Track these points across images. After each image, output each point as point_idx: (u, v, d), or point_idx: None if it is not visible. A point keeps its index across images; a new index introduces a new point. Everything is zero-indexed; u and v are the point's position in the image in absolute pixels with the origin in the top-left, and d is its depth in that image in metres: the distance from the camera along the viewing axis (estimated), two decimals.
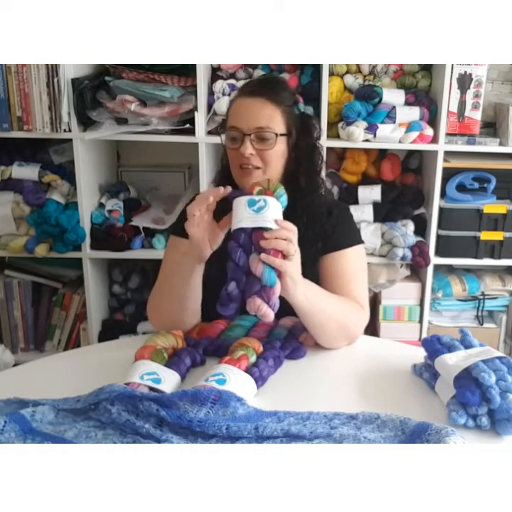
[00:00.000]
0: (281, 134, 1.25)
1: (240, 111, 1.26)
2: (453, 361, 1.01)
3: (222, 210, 1.13)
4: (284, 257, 1.04)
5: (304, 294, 1.11)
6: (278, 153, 1.25)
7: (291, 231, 1.06)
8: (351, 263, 1.28)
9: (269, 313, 1.01)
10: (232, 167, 1.29)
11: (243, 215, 1.05)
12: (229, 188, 1.11)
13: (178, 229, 1.31)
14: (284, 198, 1.10)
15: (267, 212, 1.04)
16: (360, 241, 1.34)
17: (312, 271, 1.28)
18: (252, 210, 1.04)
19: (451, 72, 2.03)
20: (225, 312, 1.05)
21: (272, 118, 1.24)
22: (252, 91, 1.27)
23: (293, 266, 1.06)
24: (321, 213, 1.30)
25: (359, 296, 1.26)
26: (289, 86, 1.35)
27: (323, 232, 1.29)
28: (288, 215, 1.29)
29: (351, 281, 1.26)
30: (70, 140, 2.04)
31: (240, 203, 1.06)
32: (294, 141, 1.27)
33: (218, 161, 1.46)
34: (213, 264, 1.28)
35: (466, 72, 2.07)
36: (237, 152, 1.25)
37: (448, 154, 2.12)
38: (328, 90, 2.06)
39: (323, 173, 1.39)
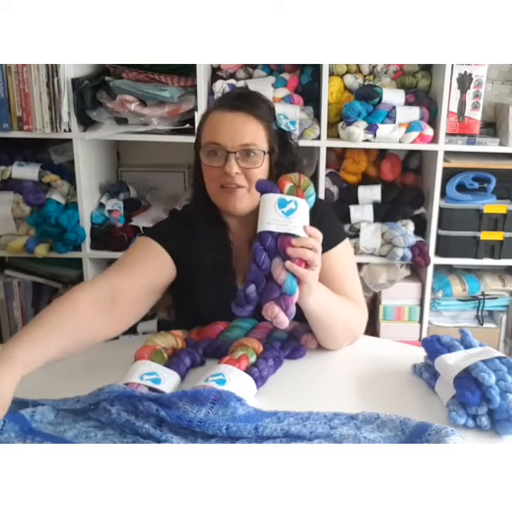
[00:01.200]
0: (267, 152, 1.20)
1: (221, 126, 1.18)
2: (453, 361, 1.01)
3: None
4: (307, 266, 1.02)
5: (316, 298, 1.09)
6: (263, 171, 1.20)
7: (318, 240, 1.03)
8: (340, 262, 1.26)
9: (285, 322, 1.00)
10: (211, 186, 1.22)
11: (272, 217, 1.01)
12: None
13: (156, 233, 1.29)
14: (313, 198, 1.06)
15: (296, 216, 1.01)
16: (344, 236, 1.31)
17: None
18: (282, 212, 1.01)
19: (451, 72, 2.03)
20: (240, 313, 1.04)
21: (257, 134, 1.18)
22: (233, 105, 1.19)
23: (314, 274, 1.04)
24: None
25: (354, 293, 1.25)
26: (268, 100, 1.28)
27: None
28: None
29: (344, 281, 1.25)
30: (70, 140, 2.04)
31: (270, 201, 1.02)
32: (276, 158, 1.22)
33: None
34: (211, 268, 1.28)
35: (466, 72, 2.07)
36: (218, 170, 1.18)
37: (448, 154, 2.12)
38: (328, 90, 2.06)
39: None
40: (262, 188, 1.05)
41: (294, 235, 1.01)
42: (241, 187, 1.19)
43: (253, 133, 1.18)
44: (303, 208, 1.03)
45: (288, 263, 1.00)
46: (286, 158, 1.25)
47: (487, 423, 0.94)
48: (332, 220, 1.32)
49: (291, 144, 1.28)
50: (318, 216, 1.22)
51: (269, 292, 1.00)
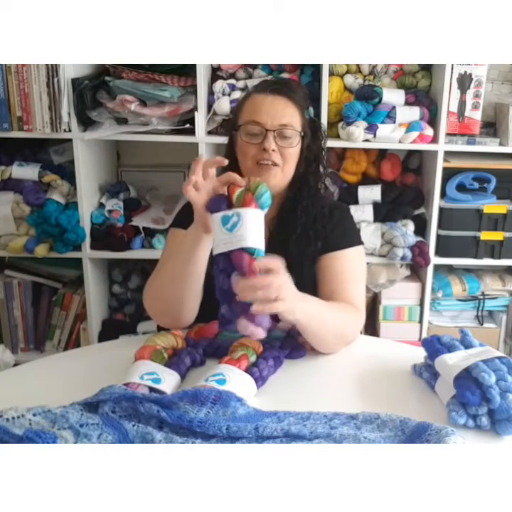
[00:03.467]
0: (301, 135, 1.27)
1: (261, 107, 1.25)
2: (453, 361, 1.01)
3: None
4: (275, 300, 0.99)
5: (302, 311, 1.08)
6: (297, 152, 1.27)
7: (275, 272, 0.99)
8: (349, 264, 1.28)
9: (260, 334, 1.00)
10: (246, 163, 1.27)
11: (219, 237, 1.00)
12: (225, 161, 1.11)
13: (179, 222, 1.32)
14: (266, 196, 1.03)
15: (241, 229, 0.98)
16: (359, 242, 1.34)
17: (311, 270, 1.28)
18: (226, 230, 0.99)
19: (451, 72, 2.03)
20: (226, 330, 1.06)
21: (294, 117, 1.26)
22: (274, 89, 1.27)
23: (287, 301, 1.01)
24: (322, 214, 1.31)
25: (355, 297, 1.25)
26: (304, 88, 1.37)
27: (323, 232, 1.29)
28: (288, 215, 1.30)
29: (348, 283, 1.26)
30: (70, 140, 2.05)
31: (215, 222, 1.01)
32: (307, 143, 1.29)
33: None
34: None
35: (466, 72, 2.07)
36: (255, 147, 1.24)
37: (448, 154, 2.12)
38: (328, 90, 2.06)
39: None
40: (211, 208, 1.04)
41: (243, 249, 0.98)
42: (276, 165, 1.25)
43: (291, 115, 1.26)
44: (248, 216, 0.99)
45: (254, 309, 0.97)
46: (316, 144, 1.33)
47: (487, 423, 0.94)
48: (348, 224, 1.36)
49: (321, 133, 1.35)
50: (336, 218, 1.32)
51: (235, 311, 0.99)
